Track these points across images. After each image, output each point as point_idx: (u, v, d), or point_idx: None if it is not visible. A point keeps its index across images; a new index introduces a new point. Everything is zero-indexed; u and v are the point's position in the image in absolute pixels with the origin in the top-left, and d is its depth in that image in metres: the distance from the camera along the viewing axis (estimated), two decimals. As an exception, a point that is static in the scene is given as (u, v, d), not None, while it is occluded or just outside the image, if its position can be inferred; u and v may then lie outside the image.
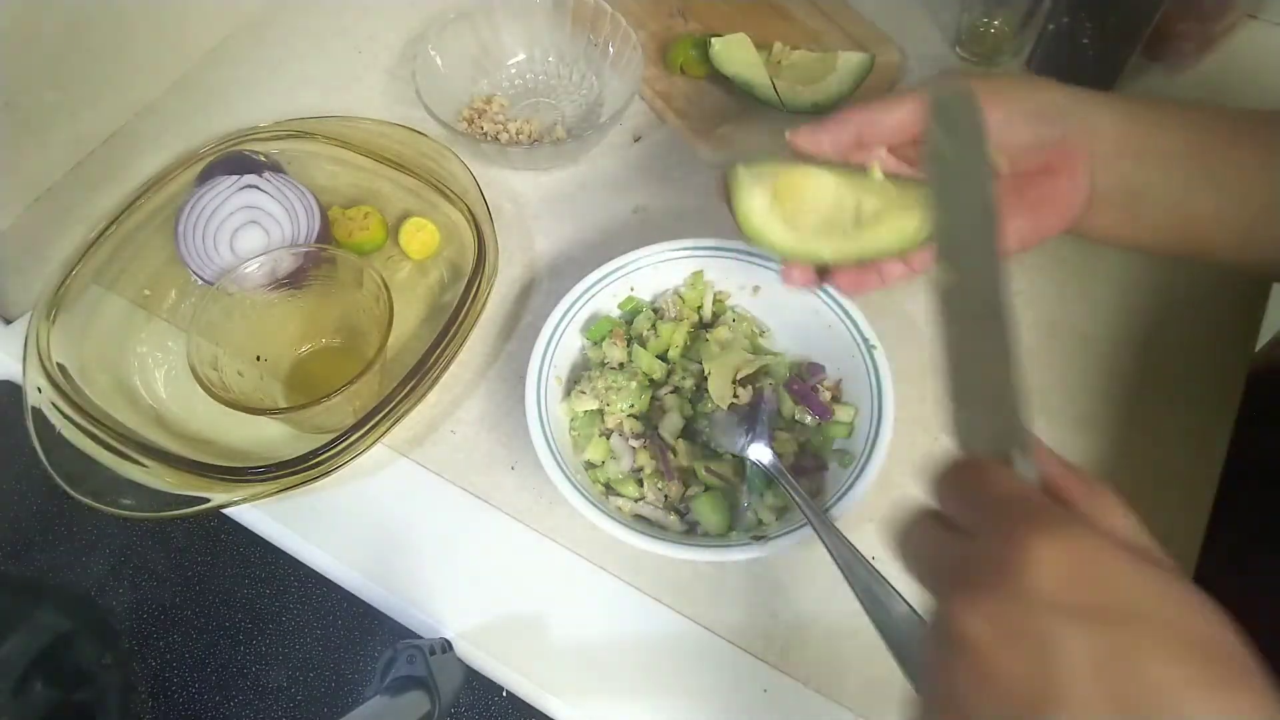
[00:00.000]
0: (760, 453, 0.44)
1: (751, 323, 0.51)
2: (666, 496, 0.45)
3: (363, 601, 0.48)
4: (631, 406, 0.47)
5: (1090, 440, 0.49)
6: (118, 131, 0.64)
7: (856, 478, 0.42)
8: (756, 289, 0.51)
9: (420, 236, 0.56)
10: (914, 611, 0.34)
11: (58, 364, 0.49)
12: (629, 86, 0.60)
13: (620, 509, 0.45)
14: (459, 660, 0.45)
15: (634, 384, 0.47)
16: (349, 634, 1.30)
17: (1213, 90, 0.64)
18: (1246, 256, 0.39)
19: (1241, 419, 0.49)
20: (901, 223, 0.38)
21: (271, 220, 0.53)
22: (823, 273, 0.43)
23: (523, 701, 0.45)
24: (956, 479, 0.26)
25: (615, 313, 0.51)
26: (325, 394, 0.45)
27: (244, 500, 0.45)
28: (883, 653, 0.34)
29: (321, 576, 0.48)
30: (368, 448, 0.46)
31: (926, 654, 0.24)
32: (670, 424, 0.47)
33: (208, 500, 0.45)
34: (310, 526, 0.48)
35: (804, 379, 0.48)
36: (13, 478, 1.39)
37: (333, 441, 0.45)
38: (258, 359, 0.51)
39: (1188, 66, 0.65)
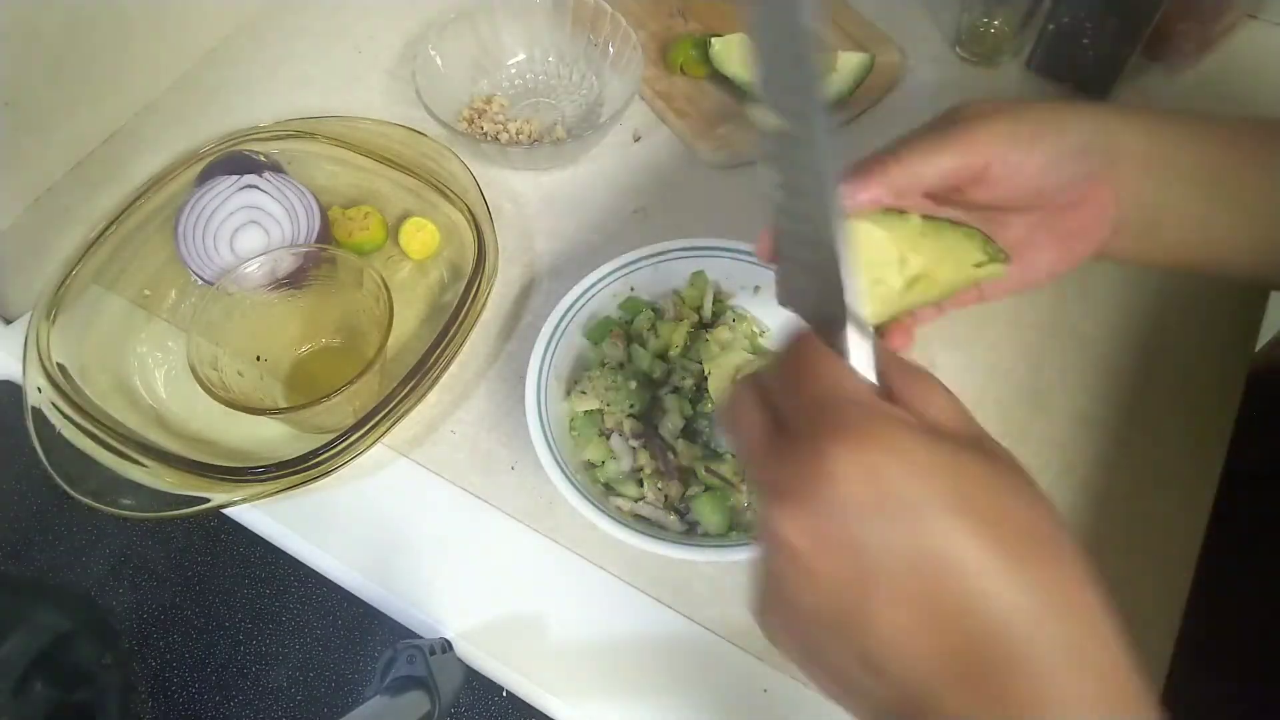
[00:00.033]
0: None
1: (751, 323, 0.51)
2: (666, 496, 0.45)
3: (363, 601, 0.48)
4: (631, 406, 0.47)
5: (1090, 440, 0.49)
6: (118, 131, 0.64)
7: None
8: (756, 289, 0.51)
9: (420, 236, 0.56)
10: None
11: (58, 364, 0.49)
12: (629, 86, 0.60)
13: (620, 509, 0.45)
14: (459, 660, 0.45)
15: (634, 384, 0.47)
16: (349, 634, 1.30)
17: (1213, 90, 0.64)
18: (1261, 271, 0.38)
19: (1241, 419, 0.49)
20: (950, 274, 0.35)
21: (271, 220, 0.53)
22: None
23: (523, 701, 0.45)
24: (783, 368, 0.27)
25: (615, 313, 0.51)
26: (325, 394, 0.45)
27: (244, 500, 0.45)
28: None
29: (321, 576, 0.48)
30: (368, 448, 0.46)
31: (757, 551, 0.26)
32: (670, 424, 0.47)
33: (208, 500, 0.45)
34: (310, 526, 0.48)
35: (804, 379, 0.48)
36: (13, 478, 1.39)
37: (333, 441, 0.45)
38: (258, 359, 0.51)
39: (1188, 66, 0.65)
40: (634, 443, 0.46)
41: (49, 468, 0.45)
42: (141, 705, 1.25)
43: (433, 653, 0.43)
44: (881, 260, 0.34)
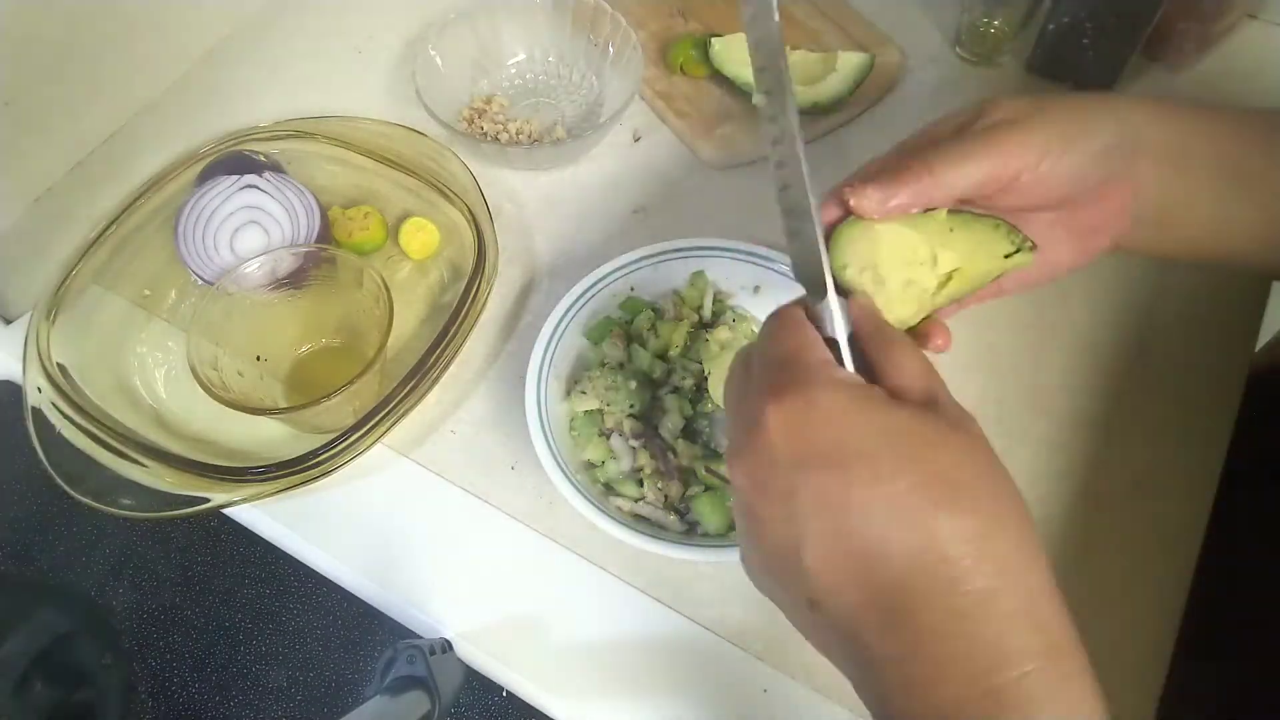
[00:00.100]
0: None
1: (751, 323, 0.51)
2: (666, 496, 0.45)
3: (363, 601, 0.48)
4: (631, 406, 0.47)
5: (1091, 440, 0.49)
6: (118, 131, 0.64)
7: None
8: (757, 289, 0.51)
9: (420, 236, 0.56)
10: None
11: (58, 364, 0.49)
12: (629, 86, 0.60)
13: (620, 509, 0.45)
14: (459, 660, 0.45)
15: (634, 384, 0.47)
16: (349, 634, 1.30)
17: (1213, 90, 0.64)
18: (1272, 261, 0.38)
19: (1241, 419, 0.49)
20: (981, 267, 0.35)
21: (271, 220, 0.53)
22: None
23: (523, 701, 0.45)
24: (760, 336, 0.30)
25: (615, 313, 0.51)
26: (325, 394, 0.45)
27: (244, 500, 0.45)
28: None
29: (321, 576, 0.48)
30: (368, 448, 0.46)
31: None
32: (670, 424, 0.47)
33: (208, 500, 0.45)
34: (310, 526, 0.48)
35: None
36: (13, 478, 1.39)
37: (333, 441, 0.45)
38: (258, 359, 0.51)
39: (1188, 66, 0.65)
40: (634, 443, 0.46)
41: (49, 468, 0.45)
42: (141, 705, 1.25)
43: (433, 653, 0.43)
44: (914, 260, 0.34)
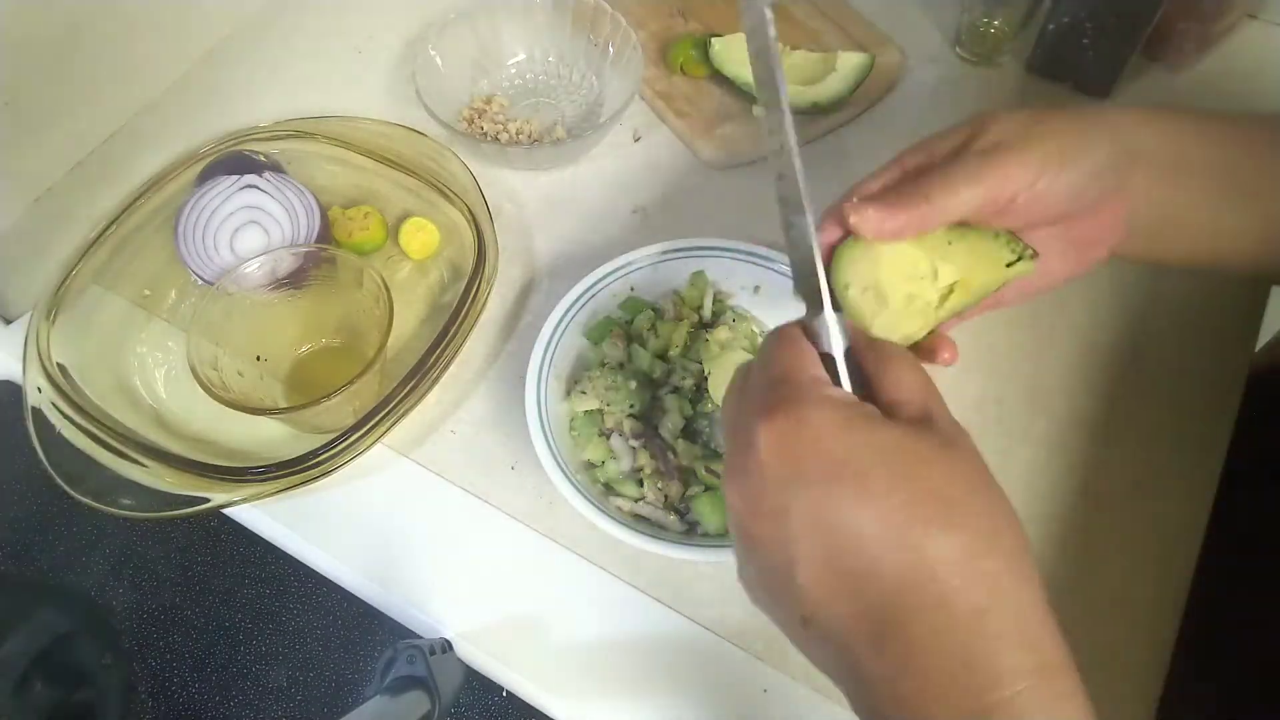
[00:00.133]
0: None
1: (751, 322, 0.51)
2: (666, 496, 0.45)
3: (363, 601, 0.48)
4: (631, 406, 0.47)
5: (1091, 440, 0.49)
6: (118, 131, 0.64)
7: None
8: (757, 289, 0.51)
9: (420, 236, 0.56)
10: None
11: (58, 364, 0.49)
12: (629, 86, 0.60)
13: (620, 509, 0.45)
14: (459, 660, 0.45)
15: (634, 384, 0.47)
16: (349, 634, 1.30)
17: (1213, 90, 0.64)
18: (1264, 266, 0.39)
19: (1241, 419, 0.49)
20: (983, 277, 0.35)
21: (271, 220, 0.53)
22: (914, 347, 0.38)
23: (523, 701, 0.45)
24: (758, 355, 0.30)
25: (615, 313, 0.51)
26: (325, 394, 0.45)
27: (244, 500, 0.45)
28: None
29: (321, 576, 0.48)
30: (368, 448, 0.46)
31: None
32: (670, 424, 0.47)
33: (208, 500, 0.45)
34: (310, 526, 0.48)
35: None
36: (13, 478, 1.39)
37: (333, 441, 0.45)
38: (258, 359, 0.51)
39: (1188, 66, 0.65)
40: (634, 443, 0.46)
41: (49, 468, 0.45)
42: (141, 705, 1.25)
43: (433, 653, 0.43)
44: (915, 275, 0.34)
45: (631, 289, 0.51)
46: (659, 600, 0.46)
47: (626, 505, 0.45)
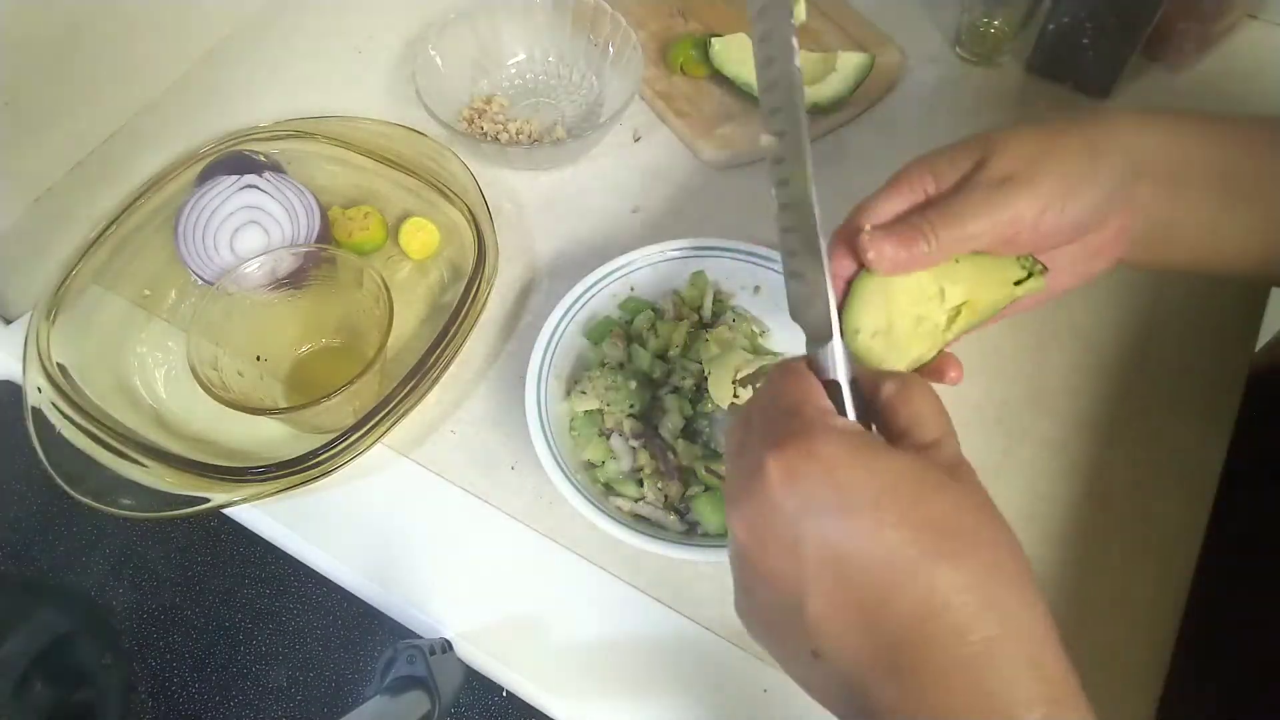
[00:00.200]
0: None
1: (751, 323, 0.51)
2: (666, 496, 0.45)
3: (363, 601, 0.48)
4: (631, 406, 0.47)
5: (1091, 440, 0.49)
6: (118, 131, 0.64)
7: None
8: (757, 289, 0.51)
9: (420, 236, 0.56)
10: None
11: (58, 364, 0.49)
12: (629, 86, 0.60)
13: (620, 509, 0.45)
14: (459, 660, 0.45)
15: (634, 384, 0.47)
16: (349, 634, 1.30)
17: (1213, 90, 0.64)
18: (1267, 270, 0.39)
19: (1241, 419, 0.49)
20: (991, 296, 0.35)
21: (271, 220, 0.53)
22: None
23: (523, 701, 0.45)
24: (763, 387, 0.30)
25: (615, 313, 0.51)
26: (325, 394, 0.45)
27: (244, 500, 0.45)
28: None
29: (321, 576, 0.48)
30: (368, 448, 0.46)
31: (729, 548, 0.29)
32: (670, 424, 0.47)
33: (208, 500, 0.45)
34: (310, 526, 0.48)
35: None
36: (13, 478, 1.39)
37: (333, 441, 0.45)
38: (258, 359, 0.51)
39: (1188, 66, 0.65)
40: (634, 443, 0.46)
41: (49, 468, 0.45)
42: (141, 705, 1.25)
43: (433, 653, 0.43)
44: (922, 296, 0.34)
45: (631, 289, 0.51)
46: (659, 600, 0.46)
47: (626, 505, 0.45)
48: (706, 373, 0.47)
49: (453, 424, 0.51)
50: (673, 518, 0.45)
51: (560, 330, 0.48)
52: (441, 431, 0.51)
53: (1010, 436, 0.50)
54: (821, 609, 0.25)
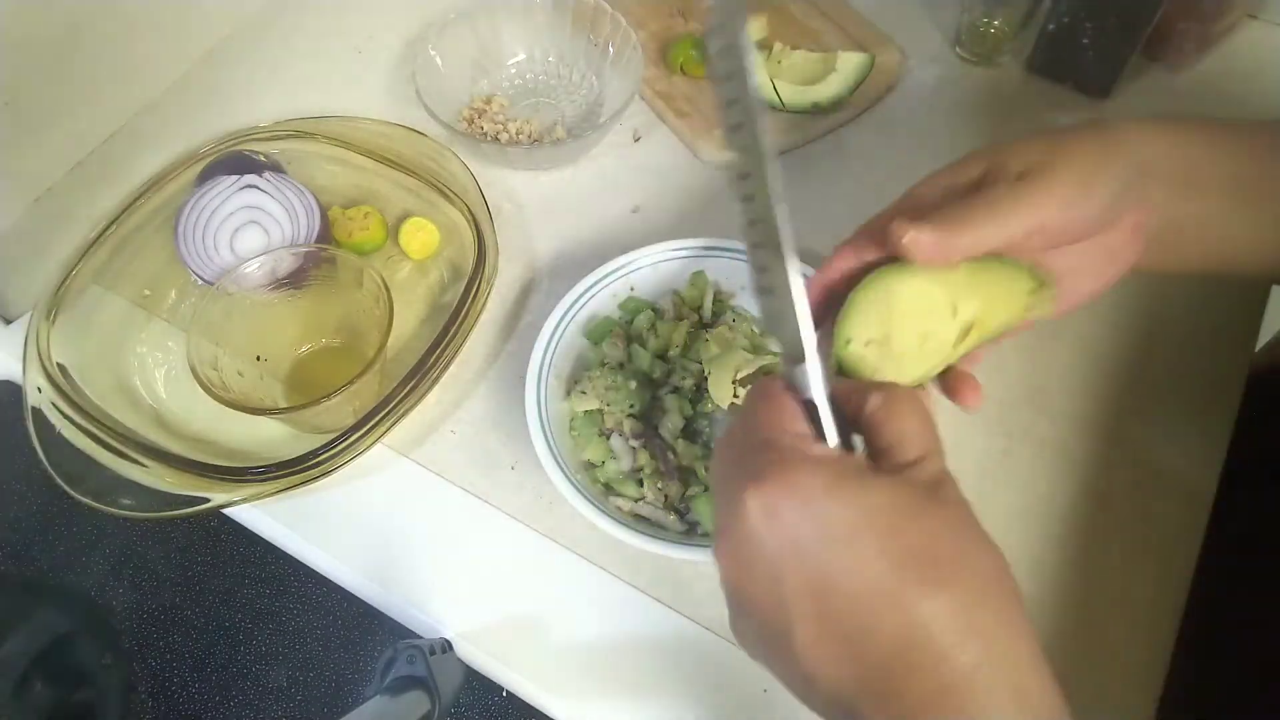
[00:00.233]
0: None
1: (751, 323, 0.51)
2: (666, 496, 0.45)
3: (363, 601, 0.48)
4: (631, 406, 0.47)
5: (1091, 440, 0.49)
6: (118, 131, 0.64)
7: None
8: (756, 289, 0.51)
9: (420, 236, 0.56)
10: None
11: (58, 364, 0.49)
12: (629, 86, 0.60)
13: (620, 509, 0.45)
14: (459, 660, 0.45)
15: (634, 384, 0.47)
16: (349, 634, 1.30)
17: (1213, 90, 0.64)
18: (1276, 270, 0.39)
19: (1241, 419, 0.49)
20: (1003, 312, 0.34)
21: (271, 220, 0.53)
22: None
23: (523, 701, 0.45)
24: (740, 414, 0.30)
25: (615, 313, 0.51)
26: (325, 394, 0.45)
27: (244, 500, 0.45)
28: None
29: (321, 576, 0.48)
30: (368, 448, 0.46)
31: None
32: (670, 424, 0.47)
33: (208, 500, 0.45)
34: (310, 526, 0.48)
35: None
36: (13, 478, 1.39)
37: (333, 441, 0.45)
38: (258, 359, 0.51)
39: (1188, 66, 0.65)
40: (634, 443, 0.46)
41: (49, 468, 0.45)
42: (141, 705, 1.25)
43: (433, 653, 0.43)
44: (932, 312, 0.33)
45: (631, 289, 0.51)
46: (659, 600, 0.46)
47: (626, 505, 0.45)
48: (706, 373, 0.47)
49: (453, 424, 0.51)
50: (673, 518, 0.45)
51: (560, 330, 0.48)
52: (441, 431, 0.51)
53: (1010, 436, 0.50)
54: (807, 640, 0.25)
